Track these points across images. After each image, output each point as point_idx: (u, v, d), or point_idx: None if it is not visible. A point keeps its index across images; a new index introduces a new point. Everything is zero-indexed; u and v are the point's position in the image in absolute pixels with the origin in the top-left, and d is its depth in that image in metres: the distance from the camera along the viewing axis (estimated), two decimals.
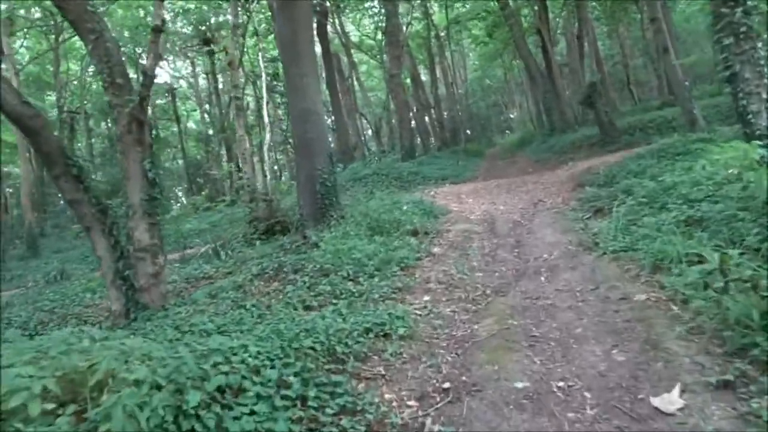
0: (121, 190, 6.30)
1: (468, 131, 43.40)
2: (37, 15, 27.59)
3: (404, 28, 31.18)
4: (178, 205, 34.20)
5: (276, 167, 38.31)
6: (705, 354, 3.38)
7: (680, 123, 15.63)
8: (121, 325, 5.86)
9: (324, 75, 29.00)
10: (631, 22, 32.34)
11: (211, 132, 40.29)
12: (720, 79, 25.84)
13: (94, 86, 32.68)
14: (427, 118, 37.99)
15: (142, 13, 28.18)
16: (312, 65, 10.85)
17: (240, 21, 18.78)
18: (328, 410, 3.20)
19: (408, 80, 34.90)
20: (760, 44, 6.83)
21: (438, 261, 7.53)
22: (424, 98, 36.31)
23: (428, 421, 3.21)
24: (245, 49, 19.82)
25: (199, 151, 44.94)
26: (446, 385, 3.59)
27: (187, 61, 41.12)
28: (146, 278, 6.13)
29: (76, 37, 21.69)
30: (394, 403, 3.44)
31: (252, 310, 5.69)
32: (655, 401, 3.02)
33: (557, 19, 31.18)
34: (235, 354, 3.52)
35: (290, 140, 22.61)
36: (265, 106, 15.96)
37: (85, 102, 34.37)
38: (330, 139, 21.57)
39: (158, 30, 6.23)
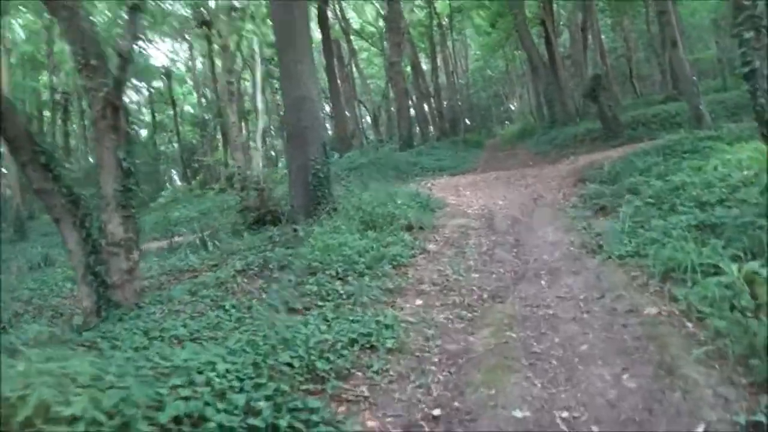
0: (96, 179, 5.87)
1: (468, 121, 42.90)
2: None
3: (405, 15, 30.54)
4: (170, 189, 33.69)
5: (273, 153, 37.82)
6: (729, 384, 2.99)
7: (685, 118, 15.20)
8: (91, 325, 5.46)
9: (324, 61, 28.47)
10: (636, 14, 31.74)
11: (208, 117, 39.71)
12: (724, 76, 25.58)
13: None
14: (426, 108, 37.42)
15: None
16: (307, 51, 10.38)
17: (238, 4, 18.25)
18: None
19: (408, 68, 34.31)
20: None
21: (433, 259, 7.16)
22: (424, 87, 35.72)
23: None
24: (243, 34, 19.22)
25: (194, 136, 44.37)
26: (436, 411, 3.20)
27: (185, 43, 40.42)
28: (119, 274, 5.72)
29: None
30: None
31: (231, 312, 5.29)
32: None
33: (561, 11, 30.60)
34: (200, 372, 3.14)
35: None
36: (259, 92, 15.46)
37: (80, 83, 33.71)
38: (327, 126, 21.09)
39: (135, 8, 5.78)
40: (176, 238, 12.76)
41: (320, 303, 5.41)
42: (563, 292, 5.19)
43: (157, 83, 41.08)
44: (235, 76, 11.93)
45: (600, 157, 13.38)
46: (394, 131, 34.38)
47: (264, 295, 5.93)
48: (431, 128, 37.14)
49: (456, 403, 3.27)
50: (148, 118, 43.23)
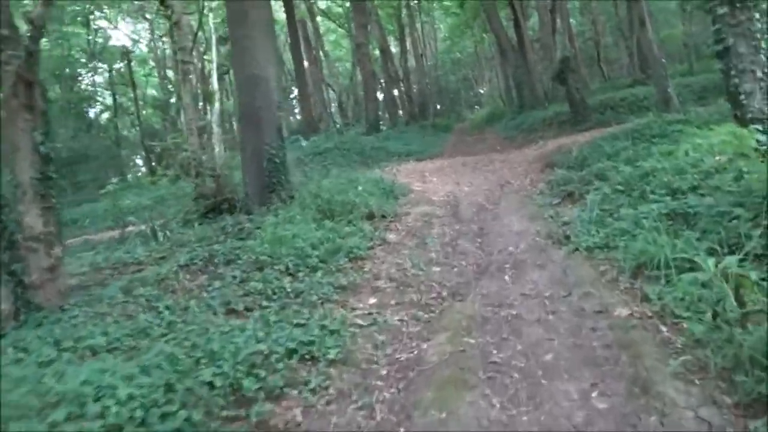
0: (10, 166, 5.21)
1: (437, 105, 42.45)
2: None
3: None
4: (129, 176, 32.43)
5: (235, 137, 36.75)
6: (711, 405, 2.61)
7: (653, 102, 15.01)
8: (5, 331, 4.85)
9: (289, 42, 27.57)
10: None
11: (173, 100, 38.26)
12: (691, 60, 25.61)
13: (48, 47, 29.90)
14: (396, 92, 36.78)
15: None
16: (263, 26, 9.63)
17: None
18: None
19: (376, 51, 33.54)
20: (757, 15, 6.06)
21: (392, 251, 6.72)
22: (393, 70, 35.02)
23: None
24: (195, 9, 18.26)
25: (157, 119, 42.83)
26: None
27: (146, 23, 38.80)
28: (39, 273, 5.11)
29: None
30: None
31: (164, 314, 4.75)
32: None
33: None
34: (97, 400, 2.63)
35: None
36: (214, 72, 14.67)
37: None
38: (287, 108, 20.29)
39: None
40: (129, 228, 12.06)
41: (264, 303, 4.93)
42: (528, 289, 4.80)
43: (117, 65, 39.37)
44: (187, 54, 11.16)
45: (568, 141, 13.10)
46: (361, 115, 33.65)
47: (205, 294, 5.41)
48: (400, 112, 36.58)
49: (401, 430, 2.82)
50: (109, 100, 41.55)
